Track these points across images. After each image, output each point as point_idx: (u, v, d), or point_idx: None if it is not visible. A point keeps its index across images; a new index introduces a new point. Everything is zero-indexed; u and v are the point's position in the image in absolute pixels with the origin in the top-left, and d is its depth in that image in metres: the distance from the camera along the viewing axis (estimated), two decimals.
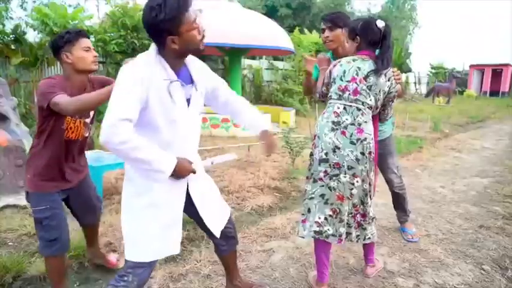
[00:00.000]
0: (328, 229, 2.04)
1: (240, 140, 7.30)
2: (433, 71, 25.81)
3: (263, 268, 2.45)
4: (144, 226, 1.57)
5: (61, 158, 1.98)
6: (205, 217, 1.74)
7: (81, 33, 1.93)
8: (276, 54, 12.10)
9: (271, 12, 22.09)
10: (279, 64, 13.79)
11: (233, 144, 6.76)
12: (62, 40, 1.87)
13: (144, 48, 9.33)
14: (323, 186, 2.02)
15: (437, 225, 3.21)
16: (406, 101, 18.29)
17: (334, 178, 1.99)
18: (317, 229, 2.04)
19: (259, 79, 12.91)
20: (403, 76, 22.76)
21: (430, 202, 3.84)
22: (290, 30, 16.28)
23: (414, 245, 2.82)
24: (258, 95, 12.79)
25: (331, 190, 2.01)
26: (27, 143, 3.79)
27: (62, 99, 1.73)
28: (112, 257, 2.51)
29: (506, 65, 25.06)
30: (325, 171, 2.01)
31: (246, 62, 12.51)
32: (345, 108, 1.99)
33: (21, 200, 3.52)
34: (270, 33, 8.53)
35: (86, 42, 1.92)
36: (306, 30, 14.59)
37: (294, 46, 10.59)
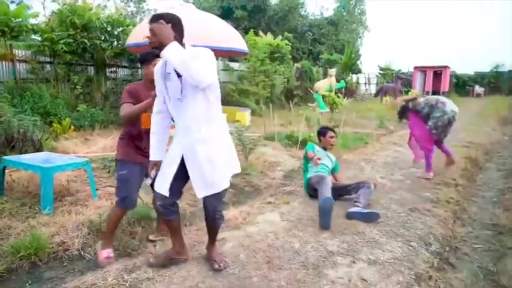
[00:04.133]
0: None
1: None
2: (382, 72, 27.32)
3: None
4: None
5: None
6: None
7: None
8: (230, 55, 12.27)
9: (226, 14, 22.22)
10: (235, 65, 13.99)
11: None
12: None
13: (96, 48, 9.10)
14: None
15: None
16: (356, 100, 19.26)
17: None
18: None
19: None
20: (354, 77, 23.86)
21: None
22: (246, 32, 16.52)
23: (353, 228, 3.11)
24: None
25: None
26: None
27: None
28: None
29: (445, 67, 27.17)
30: None
31: None
32: None
33: None
34: (223, 34, 8.68)
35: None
36: (261, 33, 14.92)
37: (249, 48, 10.82)
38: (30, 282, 2.38)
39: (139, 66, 2.64)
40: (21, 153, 5.17)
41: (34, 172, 3.69)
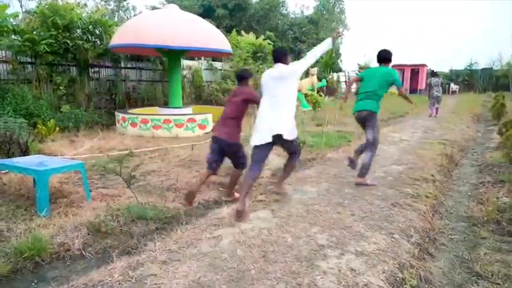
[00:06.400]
0: None
1: (183, 140, 7.48)
2: (361, 70, 27.93)
3: (213, 252, 2.74)
4: None
5: None
6: None
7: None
8: (214, 55, 12.35)
9: (208, 12, 22.22)
10: (218, 64, 14.06)
11: (176, 145, 6.92)
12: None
13: (78, 48, 9.02)
14: None
15: (360, 206, 3.77)
16: (337, 98, 19.67)
17: None
18: None
19: (199, 79, 13.06)
20: (335, 76, 24.30)
21: (355, 188, 4.43)
22: (227, 30, 16.61)
23: (341, 223, 3.32)
24: (198, 95, 12.94)
25: None
26: None
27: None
28: (236, 194, 3.95)
29: (422, 65, 28.05)
30: None
31: (184, 62, 12.58)
32: None
33: None
34: (207, 35, 8.77)
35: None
36: (243, 32, 15.05)
37: (232, 47, 10.93)
38: (35, 281, 2.46)
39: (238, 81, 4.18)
40: (8, 156, 5.15)
41: (27, 175, 3.73)
